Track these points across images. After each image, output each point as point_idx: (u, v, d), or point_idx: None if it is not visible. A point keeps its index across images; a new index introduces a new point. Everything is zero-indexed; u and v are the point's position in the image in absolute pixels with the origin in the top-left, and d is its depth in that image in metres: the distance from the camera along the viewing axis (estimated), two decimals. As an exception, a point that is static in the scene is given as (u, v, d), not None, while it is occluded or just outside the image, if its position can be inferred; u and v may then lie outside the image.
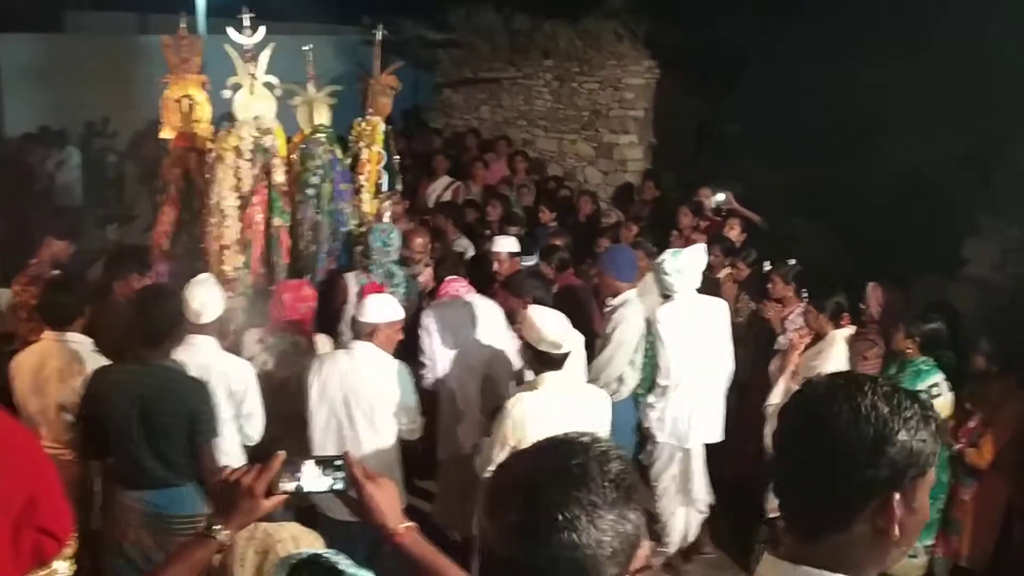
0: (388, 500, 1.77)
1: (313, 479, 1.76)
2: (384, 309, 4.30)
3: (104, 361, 4.14)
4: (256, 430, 4.26)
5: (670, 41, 9.53)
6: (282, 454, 1.77)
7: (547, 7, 10.28)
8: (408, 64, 12.15)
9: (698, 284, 5.22)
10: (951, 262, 6.25)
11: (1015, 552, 4.65)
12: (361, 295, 4.59)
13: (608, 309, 5.26)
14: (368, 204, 5.79)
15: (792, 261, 5.73)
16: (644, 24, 9.75)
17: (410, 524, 1.78)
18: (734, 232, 6.74)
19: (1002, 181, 6.27)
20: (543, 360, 3.98)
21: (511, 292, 5.22)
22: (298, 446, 4.18)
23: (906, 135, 7.17)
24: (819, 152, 7.86)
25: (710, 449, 5.36)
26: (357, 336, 4.33)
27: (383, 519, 1.75)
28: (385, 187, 5.89)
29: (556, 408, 3.90)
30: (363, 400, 4.23)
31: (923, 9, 6.88)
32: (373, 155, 5.82)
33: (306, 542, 2.59)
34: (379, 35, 6.10)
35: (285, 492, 1.75)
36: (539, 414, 3.87)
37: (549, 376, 3.98)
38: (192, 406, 3.76)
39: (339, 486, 1.76)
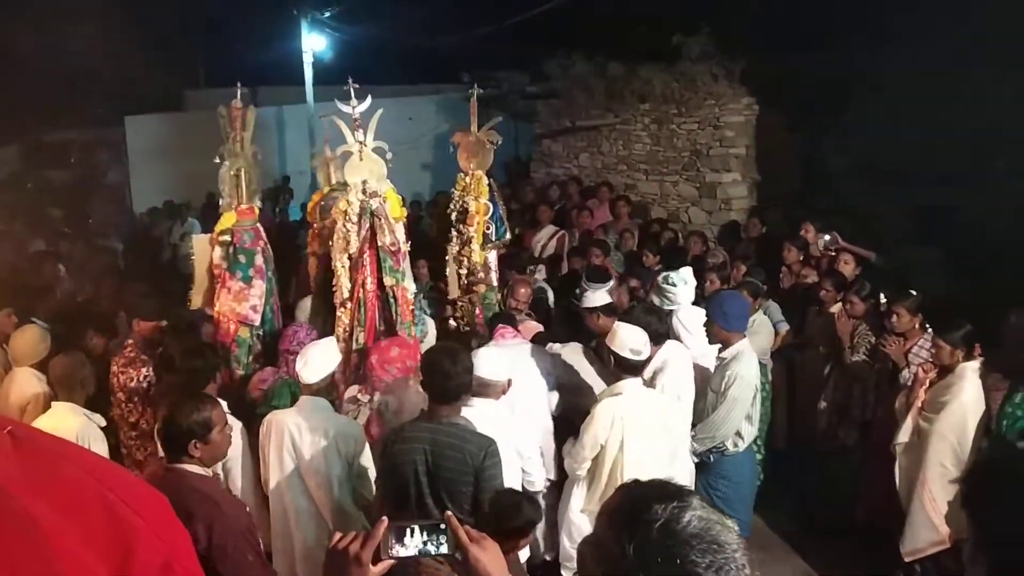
0: (494, 562, 1.79)
1: (418, 544, 1.80)
2: (502, 365, 4.36)
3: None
4: (370, 490, 4.33)
5: (767, 76, 9.47)
6: (386, 520, 1.80)
7: (640, 53, 10.36)
8: (507, 116, 12.45)
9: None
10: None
11: None
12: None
13: (719, 363, 5.18)
14: (477, 255, 5.97)
15: (914, 293, 5.54)
16: (740, 62, 9.72)
17: None
18: (848, 267, 6.59)
19: None
20: (625, 366, 4.45)
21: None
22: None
23: (1022, 155, 6.90)
24: (929, 178, 7.65)
25: (836, 488, 5.20)
26: (473, 393, 4.26)
27: None
28: (494, 237, 6.08)
29: (636, 410, 4.39)
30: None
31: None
32: (480, 207, 6.02)
33: None
34: (475, 93, 6.30)
35: (393, 558, 1.78)
36: (622, 415, 4.34)
37: (629, 382, 4.47)
38: (478, 463, 3.69)
39: (444, 550, 1.79)
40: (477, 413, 4.26)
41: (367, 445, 4.37)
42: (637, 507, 1.45)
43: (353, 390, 4.89)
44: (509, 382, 4.40)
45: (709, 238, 8.87)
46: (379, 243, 5.44)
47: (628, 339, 4.47)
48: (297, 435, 4.22)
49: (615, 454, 4.42)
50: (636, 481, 1.62)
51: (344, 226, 5.30)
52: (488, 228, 6.12)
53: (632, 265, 7.56)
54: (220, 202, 5.80)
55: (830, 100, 8.83)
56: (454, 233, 6.14)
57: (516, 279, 6.43)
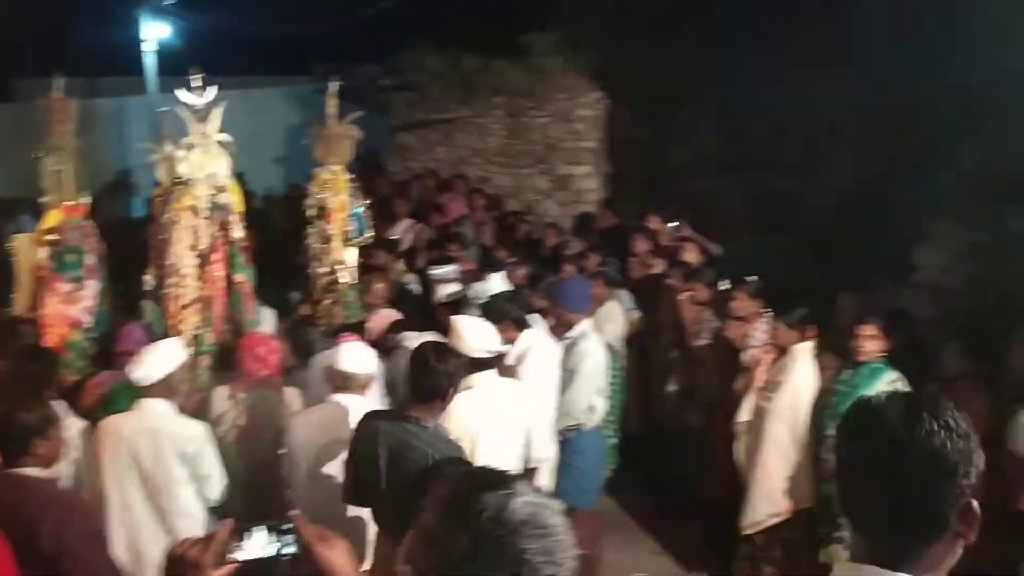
0: (343, 560, 1.77)
1: (263, 545, 1.76)
2: (367, 360, 4.34)
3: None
4: (216, 491, 4.25)
5: (617, 71, 9.72)
6: (230, 522, 1.75)
7: (494, 46, 10.44)
8: (362, 109, 12.29)
9: None
10: (904, 268, 6.39)
11: (993, 547, 4.72)
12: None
13: (567, 342, 5.31)
14: (339, 252, 5.84)
15: (752, 278, 5.83)
16: (589, 57, 9.94)
17: None
18: (691, 255, 6.85)
19: (948, 185, 6.44)
20: (476, 363, 4.32)
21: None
22: (278, 503, 4.20)
23: (853, 145, 7.35)
24: (767, 168, 8.04)
25: (683, 469, 5.42)
26: (338, 388, 4.32)
27: None
28: (355, 234, 5.97)
29: (490, 404, 4.34)
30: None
31: (859, 24, 7.11)
32: (340, 203, 5.90)
33: None
34: (333, 86, 6.18)
35: (235, 561, 1.72)
36: (476, 410, 4.27)
37: (482, 375, 4.35)
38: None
39: (290, 550, 1.76)
40: (337, 408, 4.25)
41: (211, 445, 4.24)
42: (466, 498, 1.45)
43: (223, 390, 4.73)
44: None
45: (563, 229, 9.04)
46: (231, 238, 5.31)
47: (477, 339, 4.39)
48: (134, 439, 4.06)
49: (469, 448, 4.43)
50: (462, 471, 1.63)
51: (192, 222, 5.13)
52: (349, 225, 6.00)
53: (489, 258, 7.60)
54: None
55: (675, 94, 9.13)
56: (313, 230, 5.98)
57: (370, 276, 6.37)
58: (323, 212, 5.90)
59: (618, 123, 9.98)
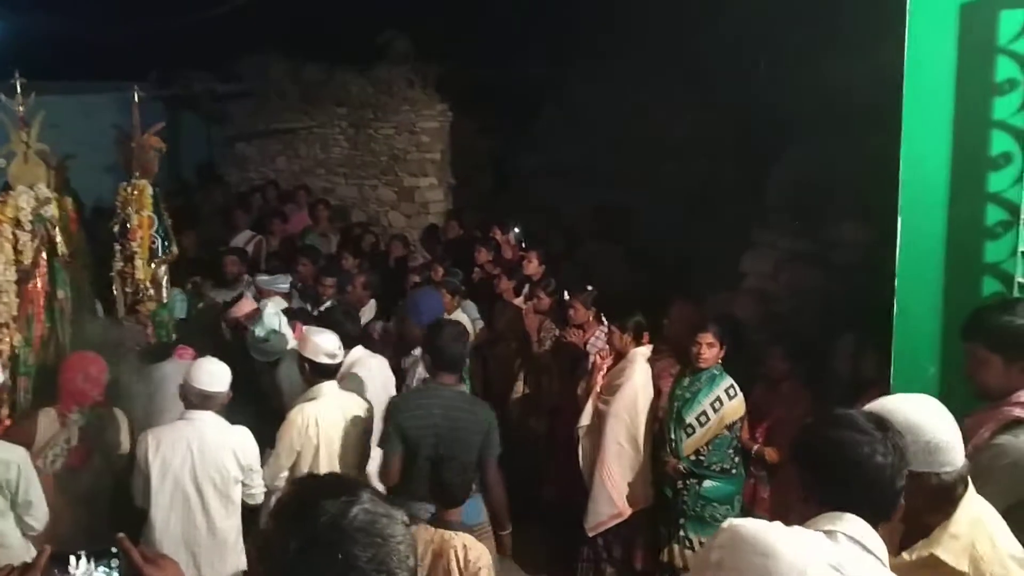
0: None
1: (87, 572, 1.67)
2: (224, 376, 4.22)
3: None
4: (38, 519, 3.99)
5: (461, 83, 9.80)
6: (47, 548, 1.65)
7: (337, 56, 10.32)
8: (199, 118, 11.84)
9: None
10: (732, 276, 6.73)
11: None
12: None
13: (410, 359, 5.28)
14: (142, 271, 5.53)
15: (589, 288, 6.00)
16: (434, 69, 9.98)
17: None
18: (532, 265, 6.96)
19: (771, 196, 6.84)
20: (320, 371, 4.42)
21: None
22: (111, 528, 3.97)
23: (689, 160, 7.69)
24: (610, 180, 8.30)
25: (526, 474, 5.47)
26: (193, 406, 4.16)
27: None
28: (160, 251, 5.66)
29: (333, 413, 4.38)
30: (213, 471, 4.13)
31: (695, 43, 7.46)
32: (144, 220, 5.55)
33: (475, 552, 3.56)
34: (136, 95, 5.82)
35: None
36: (318, 419, 4.32)
37: (326, 386, 4.44)
38: (486, 427, 4.18)
39: (116, 575, 1.69)
40: (197, 424, 4.13)
41: (31, 471, 3.97)
42: (306, 503, 1.46)
43: (50, 413, 4.42)
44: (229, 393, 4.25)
45: (410, 241, 9.02)
46: (57, 253, 5.01)
47: (322, 344, 4.44)
48: None
49: (311, 459, 4.37)
50: (311, 476, 1.63)
51: (13, 234, 4.79)
52: (154, 242, 5.68)
53: (331, 268, 7.47)
54: None
55: (520, 107, 9.29)
56: (116, 248, 5.56)
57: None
58: (125, 229, 5.52)
59: (463, 134, 10.06)
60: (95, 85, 14.13)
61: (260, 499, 4.39)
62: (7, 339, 4.74)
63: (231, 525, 4.25)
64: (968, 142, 3.41)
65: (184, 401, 4.21)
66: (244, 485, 4.28)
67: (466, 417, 4.17)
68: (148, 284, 5.54)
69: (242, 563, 4.32)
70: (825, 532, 1.86)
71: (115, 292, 5.62)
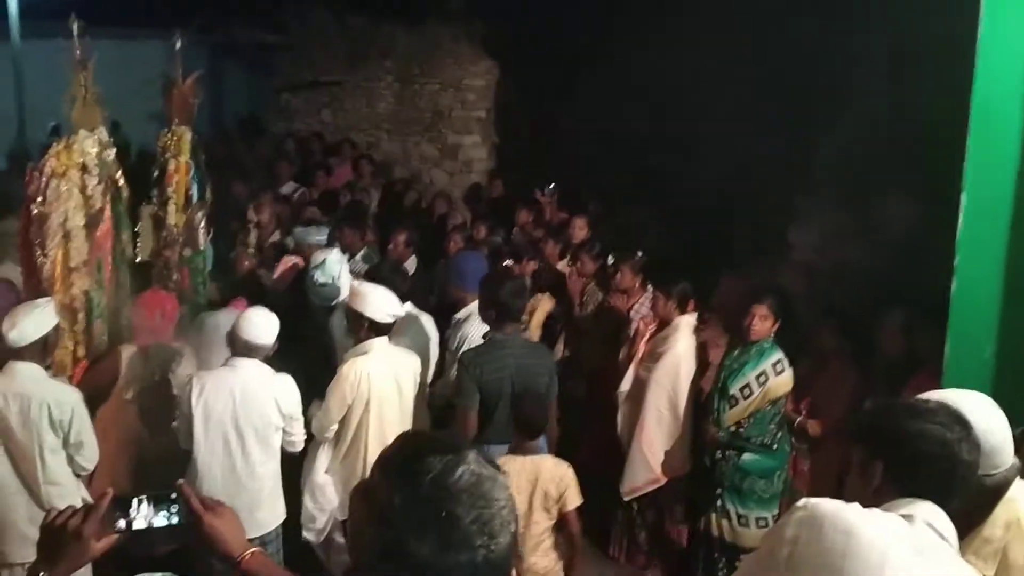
0: (231, 528, 1.74)
1: (148, 516, 1.70)
2: (271, 327, 4.24)
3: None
4: (89, 459, 4.08)
5: (507, 42, 9.69)
6: (110, 492, 1.70)
7: (385, 9, 10.24)
8: (244, 68, 11.87)
9: None
10: (777, 247, 6.63)
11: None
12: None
13: (454, 323, 5.28)
14: (174, 216, 5.55)
15: (639, 253, 5.95)
16: (481, 26, 9.88)
17: (256, 549, 1.78)
18: (578, 229, 6.91)
19: (819, 166, 6.70)
20: (377, 328, 4.40)
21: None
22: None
23: (731, 125, 7.54)
24: (649, 145, 8.19)
25: (562, 433, 5.49)
26: (238, 354, 4.21)
27: (228, 548, 1.74)
28: (196, 197, 5.67)
29: (384, 369, 4.40)
30: (256, 418, 4.18)
31: (739, 9, 7.30)
32: (181, 165, 5.57)
33: (561, 470, 3.98)
34: (178, 42, 5.79)
35: (118, 532, 1.67)
36: (370, 375, 4.34)
37: (378, 342, 4.42)
38: (552, 369, 4.56)
39: (176, 520, 1.72)
40: (241, 372, 4.19)
41: (84, 411, 4.05)
42: (411, 458, 1.45)
43: (130, 349, 4.54)
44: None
45: (452, 199, 9.00)
46: (121, 197, 5.05)
47: (383, 302, 4.43)
48: (1, 403, 3.85)
49: (360, 414, 4.40)
50: (415, 432, 1.64)
51: (82, 179, 4.81)
52: (190, 189, 5.70)
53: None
54: None
55: (566, 67, 9.17)
56: (153, 192, 5.52)
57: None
58: (163, 175, 5.54)
59: (508, 94, 9.97)
60: (138, 32, 14.20)
61: (299, 447, 4.44)
62: (78, 283, 4.79)
63: (270, 471, 4.31)
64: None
65: (231, 348, 4.26)
66: (284, 432, 4.32)
67: (535, 360, 4.49)
68: (180, 229, 5.56)
69: (279, 509, 4.39)
70: (903, 516, 1.83)
71: (141, 235, 5.65)
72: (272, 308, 4.42)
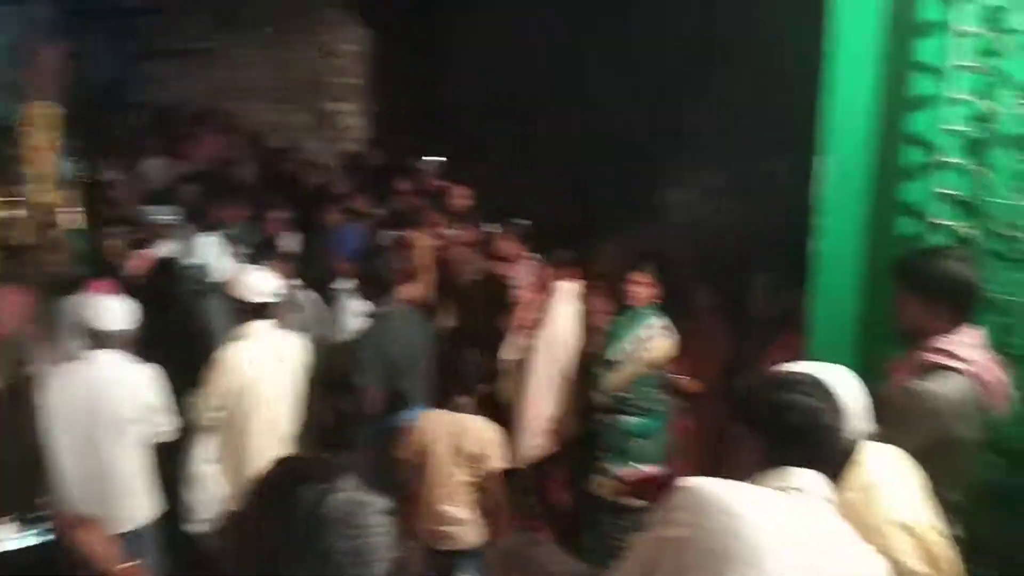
0: (103, 543, 1.69)
1: (14, 535, 1.63)
2: (121, 314, 4.05)
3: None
4: None
5: (381, 6, 9.47)
6: None
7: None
8: (106, 36, 11.22)
9: None
10: (654, 210, 6.75)
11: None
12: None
13: (338, 293, 5.21)
14: (47, 195, 5.27)
15: (520, 221, 5.96)
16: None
17: (129, 565, 1.72)
18: (459, 198, 6.87)
19: (689, 129, 6.83)
20: (254, 310, 4.29)
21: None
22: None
23: (607, 89, 7.59)
24: (531, 110, 8.17)
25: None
26: (91, 344, 4.00)
27: (101, 564, 1.68)
28: (66, 176, 5.40)
29: (265, 352, 4.30)
30: (110, 412, 3.99)
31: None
32: (48, 142, 5.30)
33: (489, 430, 4.11)
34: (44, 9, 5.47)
35: None
36: (252, 359, 4.25)
37: (259, 324, 4.32)
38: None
39: (46, 538, 1.65)
40: (94, 363, 4.00)
41: None
42: (284, 489, 1.42)
43: None
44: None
45: (329, 169, 8.79)
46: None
47: (259, 283, 4.31)
48: None
49: (243, 400, 4.29)
50: (290, 457, 1.60)
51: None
52: (59, 165, 5.42)
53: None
54: None
55: (448, 33, 9.03)
56: (23, 171, 5.33)
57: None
58: (32, 151, 5.26)
59: (385, 60, 9.77)
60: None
61: (171, 437, 4.30)
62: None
63: (134, 465, 4.14)
64: (891, 82, 3.42)
65: (83, 338, 4.06)
66: (151, 424, 4.17)
67: (422, 324, 4.73)
68: (56, 208, 5.29)
69: (151, 502, 4.25)
70: (780, 488, 1.89)
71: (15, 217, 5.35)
72: (135, 296, 4.22)
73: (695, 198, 6.53)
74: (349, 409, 4.59)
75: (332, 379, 4.96)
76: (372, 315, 4.54)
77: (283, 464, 1.54)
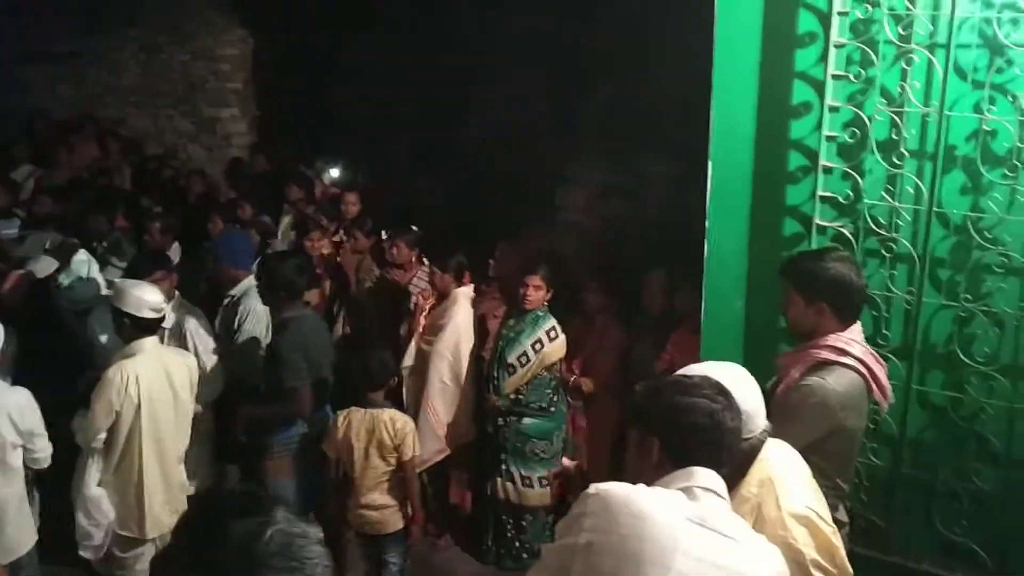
0: None
1: None
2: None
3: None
4: None
5: (267, 7, 9.24)
6: None
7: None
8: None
9: None
10: (550, 210, 6.83)
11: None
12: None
13: (228, 300, 5.09)
14: None
15: (413, 228, 5.94)
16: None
17: None
18: (350, 205, 6.79)
19: (584, 129, 6.93)
20: (143, 327, 4.17)
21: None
22: None
23: (503, 91, 7.63)
24: (427, 112, 8.13)
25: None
26: None
27: None
28: None
29: (154, 370, 4.18)
30: None
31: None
32: None
33: (401, 421, 4.38)
34: None
35: None
36: (139, 377, 4.10)
37: (146, 341, 4.20)
38: None
39: None
40: None
41: None
42: (215, 525, 1.36)
43: None
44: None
45: (211, 176, 8.54)
46: None
47: (145, 297, 4.15)
48: None
49: (131, 420, 4.13)
50: (218, 490, 1.53)
51: None
52: None
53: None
54: None
55: (330, 33, 8.86)
56: None
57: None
58: None
59: (269, 62, 9.53)
60: None
61: (45, 464, 4.14)
62: None
63: (12, 492, 3.99)
64: (773, 90, 3.57)
65: None
66: (26, 450, 4.01)
67: (325, 329, 4.92)
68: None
69: (29, 530, 4.10)
70: (682, 489, 1.94)
71: None
72: (9, 316, 4.03)
73: (588, 199, 6.64)
74: (269, 414, 4.58)
75: (248, 384, 4.86)
76: (286, 320, 4.50)
77: (212, 499, 1.49)
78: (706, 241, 3.77)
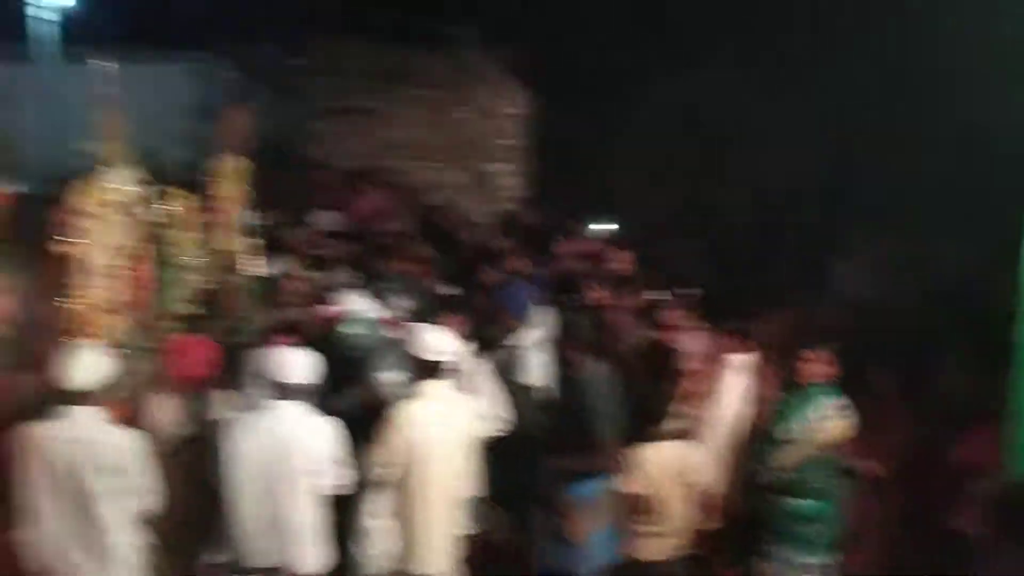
0: None
1: None
2: (304, 367, 4.16)
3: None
4: (149, 503, 3.98)
5: (542, 68, 9.64)
6: None
7: (417, 36, 10.22)
8: (273, 94, 11.81)
9: None
10: (828, 283, 6.56)
11: (912, 557, 4.88)
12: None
13: (512, 349, 5.24)
14: (230, 243, 5.52)
15: (690, 290, 5.89)
16: (515, 52, 9.85)
17: None
18: (623, 263, 6.84)
19: (862, 199, 6.64)
20: (425, 369, 4.29)
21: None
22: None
23: (774, 156, 7.48)
24: (691, 177, 8.12)
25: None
26: (275, 395, 4.12)
27: None
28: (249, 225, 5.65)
29: (435, 413, 4.26)
30: (290, 462, 4.07)
31: (784, 32, 7.25)
32: (236, 193, 5.57)
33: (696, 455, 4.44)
34: (212, 69, 5.81)
35: None
36: (419, 419, 4.22)
37: (429, 384, 4.29)
38: None
39: None
40: (278, 413, 4.10)
41: (143, 455, 3.96)
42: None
43: (162, 398, 4.44)
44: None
45: (485, 228, 8.93)
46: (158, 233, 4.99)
47: (430, 341, 4.34)
48: (57, 448, 3.75)
49: (409, 460, 4.28)
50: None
51: (114, 216, 4.66)
52: (243, 215, 5.69)
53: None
54: None
55: (600, 94, 9.11)
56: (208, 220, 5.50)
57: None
58: (219, 201, 5.51)
59: (542, 120, 9.92)
60: (158, 54, 14.14)
61: (347, 490, 4.33)
62: (116, 324, 4.68)
63: (308, 516, 4.18)
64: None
65: (268, 389, 4.17)
66: (328, 476, 4.20)
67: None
68: (238, 257, 5.52)
69: (323, 553, 4.28)
70: None
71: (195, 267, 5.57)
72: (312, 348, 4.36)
73: (876, 274, 6.31)
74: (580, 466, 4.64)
75: (555, 435, 4.95)
76: (588, 372, 4.68)
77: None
78: (1018, 325, 3.46)
